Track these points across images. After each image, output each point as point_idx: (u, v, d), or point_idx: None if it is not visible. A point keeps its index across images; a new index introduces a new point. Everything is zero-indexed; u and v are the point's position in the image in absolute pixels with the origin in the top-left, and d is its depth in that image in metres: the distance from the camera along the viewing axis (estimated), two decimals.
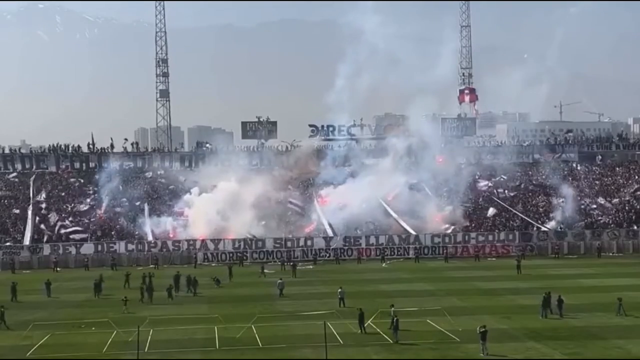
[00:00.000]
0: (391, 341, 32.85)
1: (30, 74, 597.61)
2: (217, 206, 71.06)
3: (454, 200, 75.72)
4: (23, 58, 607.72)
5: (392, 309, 35.06)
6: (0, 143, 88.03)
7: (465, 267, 60.32)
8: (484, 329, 30.59)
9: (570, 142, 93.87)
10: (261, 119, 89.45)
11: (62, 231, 68.71)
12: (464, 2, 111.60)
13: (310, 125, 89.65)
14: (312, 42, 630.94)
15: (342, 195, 74.85)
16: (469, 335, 32.03)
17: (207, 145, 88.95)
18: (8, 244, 66.30)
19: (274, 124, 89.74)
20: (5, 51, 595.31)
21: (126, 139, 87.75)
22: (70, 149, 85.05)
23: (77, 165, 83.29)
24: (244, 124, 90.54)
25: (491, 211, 74.26)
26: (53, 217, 71.09)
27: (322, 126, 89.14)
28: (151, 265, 61.93)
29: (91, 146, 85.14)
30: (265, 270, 57.12)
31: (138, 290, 45.28)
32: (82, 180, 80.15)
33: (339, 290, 42.09)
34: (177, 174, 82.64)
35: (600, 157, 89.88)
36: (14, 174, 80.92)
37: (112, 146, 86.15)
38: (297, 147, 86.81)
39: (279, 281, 47.08)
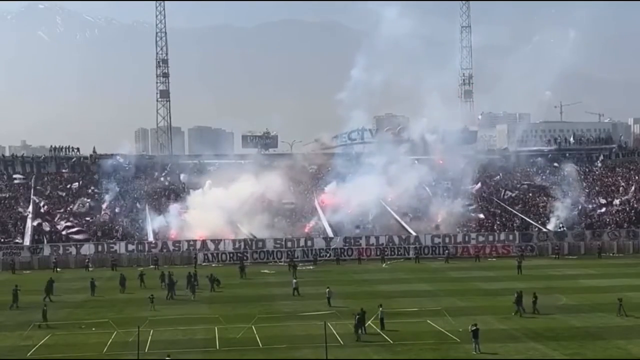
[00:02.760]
0: (391, 341, 32.87)
1: (31, 74, 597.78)
2: (218, 206, 70.99)
3: (455, 200, 75.67)
4: (23, 58, 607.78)
5: (380, 309, 35.25)
6: (0, 143, 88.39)
7: (466, 267, 60.28)
8: (475, 327, 30.75)
9: (570, 144, 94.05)
10: (263, 133, 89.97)
11: (63, 232, 68.73)
12: (464, 2, 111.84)
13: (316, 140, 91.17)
14: (312, 43, 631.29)
15: (343, 196, 74.86)
16: (469, 336, 31.98)
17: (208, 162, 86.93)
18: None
19: (275, 138, 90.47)
20: (6, 51, 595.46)
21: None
22: (70, 150, 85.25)
23: (77, 169, 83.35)
24: (244, 137, 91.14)
25: (481, 215, 74.02)
26: (53, 217, 71.16)
27: (325, 135, 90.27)
28: (151, 266, 61.90)
29: (93, 158, 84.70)
30: (264, 270, 57.06)
31: (152, 290, 45.61)
32: (82, 181, 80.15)
33: (327, 289, 42.31)
34: (179, 175, 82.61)
35: (600, 157, 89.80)
36: (19, 175, 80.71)
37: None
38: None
39: (294, 281, 47.41)
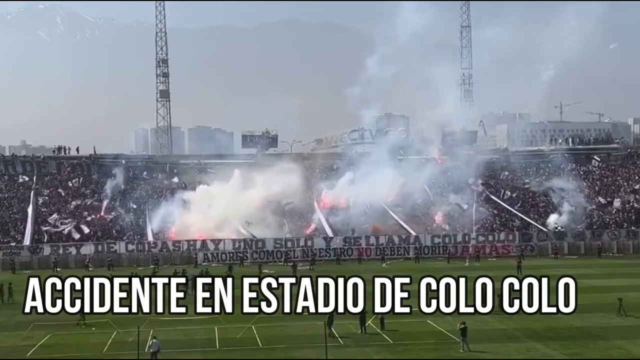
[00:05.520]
0: (391, 341, 32.87)
1: (31, 74, 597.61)
2: (218, 206, 71.04)
3: (454, 201, 75.66)
4: (24, 58, 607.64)
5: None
6: (0, 143, 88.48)
7: (466, 267, 60.21)
8: (463, 326, 30.82)
9: (570, 143, 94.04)
10: (263, 132, 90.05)
11: (62, 232, 68.72)
12: (464, 2, 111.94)
13: (316, 141, 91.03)
14: (312, 42, 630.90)
15: (343, 196, 74.93)
16: (470, 336, 31.98)
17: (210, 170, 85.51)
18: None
19: (275, 138, 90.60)
20: (6, 51, 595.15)
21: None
22: (70, 151, 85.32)
23: (77, 169, 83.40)
24: (244, 136, 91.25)
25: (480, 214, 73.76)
26: (53, 217, 71.12)
27: (326, 138, 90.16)
28: (151, 266, 61.93)
29: (93, 157, 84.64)
30: (264, 270, 57.12)
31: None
32: (82, 181, 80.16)
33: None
34: (179, 175, 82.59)
35: (600, 158, 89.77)
36: (20, 176, 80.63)
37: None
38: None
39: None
